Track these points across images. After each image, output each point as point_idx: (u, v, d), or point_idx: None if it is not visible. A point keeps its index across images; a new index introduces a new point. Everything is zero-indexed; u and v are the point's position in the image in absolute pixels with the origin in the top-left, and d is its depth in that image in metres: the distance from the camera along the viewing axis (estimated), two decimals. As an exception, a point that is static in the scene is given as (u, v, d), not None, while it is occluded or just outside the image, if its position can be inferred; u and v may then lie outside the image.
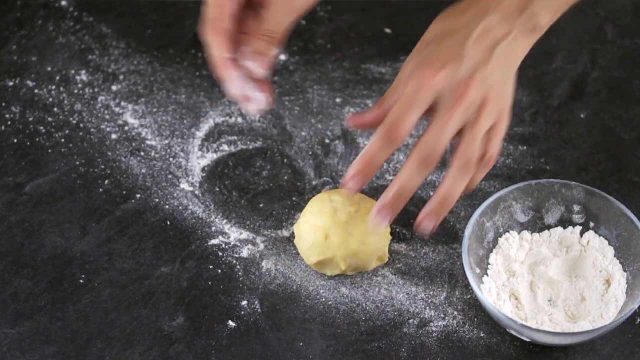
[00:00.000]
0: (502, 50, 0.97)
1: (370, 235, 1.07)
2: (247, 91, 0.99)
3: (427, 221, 0.99)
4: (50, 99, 1.25)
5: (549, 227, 1.09)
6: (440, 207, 0.99)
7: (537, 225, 1.09)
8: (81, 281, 1.09)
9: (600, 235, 1.08)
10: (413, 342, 1.04)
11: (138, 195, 1.16)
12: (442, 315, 1.06)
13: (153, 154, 1.20)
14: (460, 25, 0.98)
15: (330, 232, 1.07)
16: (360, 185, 0.99)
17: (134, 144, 1.21)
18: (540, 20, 1.00)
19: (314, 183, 1.17)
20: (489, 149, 0.99)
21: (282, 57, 1.28)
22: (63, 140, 1.21)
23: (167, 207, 1.15)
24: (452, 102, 0.95)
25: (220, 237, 1.13)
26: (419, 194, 1.15)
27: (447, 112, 0.95)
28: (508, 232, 1.09)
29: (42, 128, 1.22)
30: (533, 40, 1.00)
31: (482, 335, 1.05)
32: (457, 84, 0.95)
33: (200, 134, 1.22)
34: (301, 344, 1.04)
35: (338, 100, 1.25)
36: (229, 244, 1.12)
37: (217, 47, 0.99)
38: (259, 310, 1.07)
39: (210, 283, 1.09)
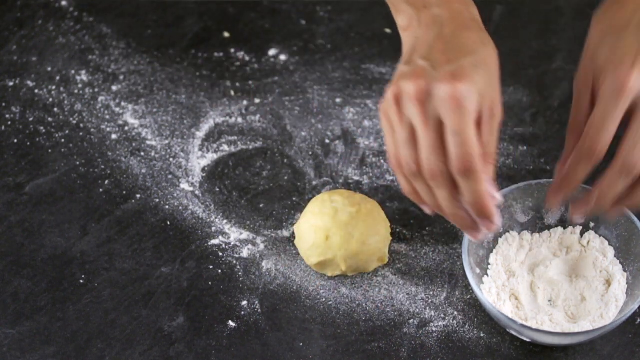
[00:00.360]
0: None
1: (371, 236, 1.07)
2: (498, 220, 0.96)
3: (576, 212, 0.98)
4: (50, 99, 1.25)
5: (549, 227, 1.09)
6: (590, 203, 0.96)
7: (537, 225, 1.09)
8: (81, 281, 1.09)
9: (600, 235, 1.08)
10: (413, 342, 1.04)
11: (138, 195, 1.16)
12: (442, 315, 1.06)
13: (153, 154, 1.20)
14: (627, 18, 0.93)
15: (331, 233, 1.07)
16: (559, 202, 0.98)
17: (134, 144, 1.21)
18: None
19: (314, 183, 1.17)
20: None
21: (282, 57, 1.29)
22: (63, 140, 1.21)
23: (167, 207, 1.15)
24: None
25: (220, 237, 1.13)
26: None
27: None
28: (508, 232, 1.09)
29: (42, 128, 1.22)
30: None
31: (482, 335, 1.05)
32: None
33: (200, 134, 1.22)
34: (301, 344, 1.04)
35: (338, 100, 1.25)
36: (229, 244, 1.12)
37: (485, 182, 0.93)
38: (259, 310, 1.07)
39: (210, 283, 1.09)
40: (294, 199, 1.16)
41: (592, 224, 1.09)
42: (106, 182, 1.17)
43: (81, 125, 1.23)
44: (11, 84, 1.26)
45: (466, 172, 0.90)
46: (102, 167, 1.19)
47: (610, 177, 0.95)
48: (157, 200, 1.16)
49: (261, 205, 1.15)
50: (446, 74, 0.89)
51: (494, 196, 0.93)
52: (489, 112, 0.92)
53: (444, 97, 0.89)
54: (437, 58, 0.91)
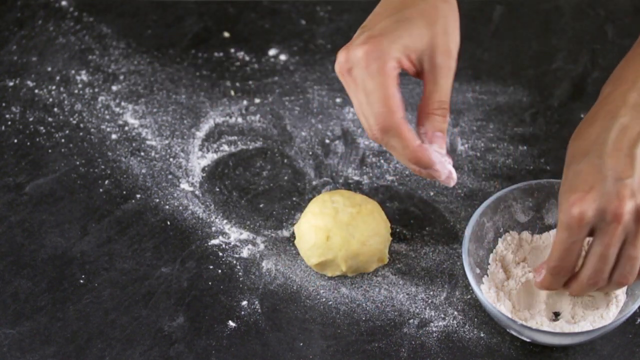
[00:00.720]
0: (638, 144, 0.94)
1: (371, 237, 1.07)
2: (448, 167, 0.98)
3: (538, 275, 1.00)
4: (50, 99, 1.25)
5: (549, 227, 1.09)
6: (559, 270, 0.98)
7: (537, 225, 1.09)
8: (81, 281, 1.09)
9: (600, 235, 1.08)
10: (413, 342, 1.04)
11: (138, 195, 1.16)
12: (442, 315, 1.06)
13: (153, 154, 1.20)
14: (593, 139, 0.95)
15: (332, 233, 1.07)
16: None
17: (134, 144, 1.21)
18: None
19: (314, 183, 1.17)
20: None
21: (282, 57, 1.29)
22: (63, 140, 1.21)
23: (167, 207, 1.15)
24: (607, 225, 0.92)
25: (220, 237, 1.13)
26: (419, 194, 1.15)
27: (605, 236, 0.93)
28: (508, 232, 1.09)
29: (42, 128, 1.22)
30: None
31: (482, 335, 1.05)
32: (607, 204, 0.91)
33: (200, 134, 1.22)
34: (301, 344, 1.04)
35: (338, 100, 1.25)
36: (229, 244, 1.12)
37: (409, 137, 0.95)
38: (259, 310, 1.07)
39: (210, 283, 1.09)
40: (294, 199, 1.16)
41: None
42: (106, 182, 1.17)
43: (81, 125, 1.23)
44: (11, 84, 1.26)
45: (384, 130, 0.95)
46: (102, 167, 1.19)
47: (577, 284, 0.98)
48: (157, 200, 1.16)
49: (261, 205, 1.15)
50: (363, 37, 0.96)
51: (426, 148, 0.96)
52: (429, 60, 0.96)
53: (357, 61, 0.96)
54: (370, 21, 0.98)
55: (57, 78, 1.27)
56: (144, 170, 1.18)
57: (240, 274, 1.10)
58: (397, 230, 1.13)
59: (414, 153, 0.95)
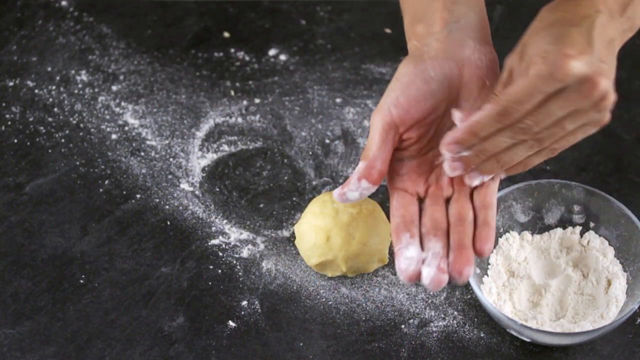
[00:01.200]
0: (614, 49, 0.93)
1: (372, 237, 1.07)
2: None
3: (448, 149, 0.93)
4: (50, 99, 1.25)
5: (549, 227, 1.09)
6: (467, 140, 0.92)
7: (537, 225, 1.09)
8: (81, 281, 1.09)
9: (600, 235, 1.08)
10: (413, 342, 1.04)
11: (138, 195, 1.16)
12: (442, 315, 1.06)
13: (153, 154, 1.20)
14: (580, 16, 0.92)
15: (332, 234, 1.07)
16: (458, 156, 0.94)
17: (134, 144, 1.21)
18: (637, 20, 0.95)
19: (314, 183, 1.17)
20: (567, 139, 0.94)
21: (282, 57, 1.29)
22: (63, 140, 1.21)
23: (167, 207, 1.15)
24: (580, 90, 0.89)
25: (220, 237, 1.13)
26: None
27: (570, 98, 0.90)
28: (508, 232, 1.09)
29: (42, 128, 1.22)
30: (624, 40, 0.96)
31: (482, 335, 1.05)
32: (586, 77, 0.89)
33: (200, 134, 1.22)
34: (301, 344, 1.04)
35: (338, 100, 1.25)
36: (229, 244, 1.12)
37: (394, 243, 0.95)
38: (259, 310, 1.07)
39: (210, 283, 1.09)
40: (294, 199, 1.16)
41: (592, 224, 1.09)
42: (106, 182, 1.17)
43: (81, 125, 1.23)
44: (11, 84, 1.26)
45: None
46: (102, 167, 1.19)
47: (484, 112, 0.91)
48: (157, 200, 1.16)
49: (261, 205, 1.15)
50: None
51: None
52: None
53: None
54: None
55: (57, 78, 1.27)
56: (144, 170, 1.19)
57: (240, 274, 1.10)
58: (397, 230, 1.13)
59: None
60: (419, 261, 0.93)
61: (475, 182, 0.95)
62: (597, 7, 0.93)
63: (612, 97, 0.91)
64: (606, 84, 0.90)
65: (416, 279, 0.93)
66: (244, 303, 1.07)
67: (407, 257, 0.93)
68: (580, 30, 0.91)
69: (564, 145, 0.94)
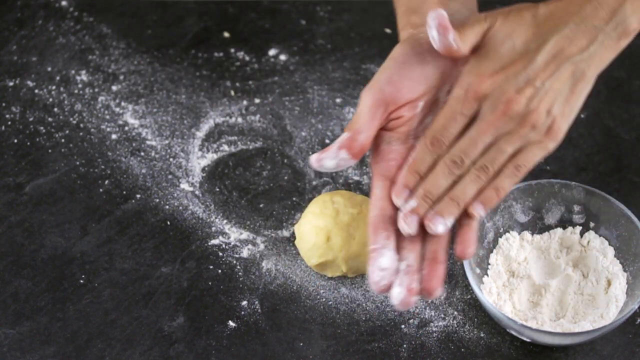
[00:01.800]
0: (574, 62, 0.90)
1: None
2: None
3: (398, 196, 0.94)
4: (50, 99, 1.25)
5: (549, 227, 1.09)
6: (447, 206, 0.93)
7: (537, 225, 1.09)
8: (81, 281, 1.09)
9: (600, 235, 1.08)
10: (413, 342, 1.04)
11: (138, 195, 1.16)
12: (442, 315, 1.06)
13: (153, 154, 1.20)
14: (545, 30, 0.90)
15: (332, 234, 1.07)
16: (405, 190, 0.94)
17: (134, 144, 1.21)
18: (631, 24, 0.90)
19: (314, 183, 1.17)
20: (515, 161, 0.92)
21: (282, 57, 1.29)
22: (63, 140, 1.21)
23: (167, 207, 1.15)
24: (495, 110, 0.90)
25: (220, 237, 1.13)
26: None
27: (487, 120, 0.90)
28: (508, 232, 1.09)
29: (42, 128, 1.22)
30: (620, 47, 0.92)
31: (482, 335, 1.05)
32: (507, 90, 0.89)
33: (200, 134, 1.22)
34: (301, 344, 1.04)
35: (338, 100, 1.25)
36: (229, 244, 1.12)
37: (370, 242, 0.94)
38: (259, 310, 1.07)
39: (210, 283, 1.09)
40: (294, 199, 1.16)
41: (592, 224, 1.09)
42: (106, 182, 1.17)
43: (81, 125, 1.23)
44: (11, 84, 1.26)
45: None
46: (102, 167, 1.19)
47: (419, 147, 0.93)
48: (157, 200, 1.16)
49: (261, 205, 1.15)
50: None
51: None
52: None
53: None
54: None
55: (57, 78, 1.27)
56: (144, 170, 1.19)
57: (240, 274, 1.10)
58: (397, 230, 1.13)
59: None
60: (392, 273, 0.92)
61: (440, 228, 0.93)
62: (569, 16, 0.90)
63: (541, 117, 0.90)
64: (524, 102, 0.89)
65: (387, 291, 0.92)
66: (244, 303, 1.07)
67: (381, 267, 0.92)
68: (507, 46, 0.90)
69: (520, 167, 0.92)
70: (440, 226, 0.93)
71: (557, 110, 0.90)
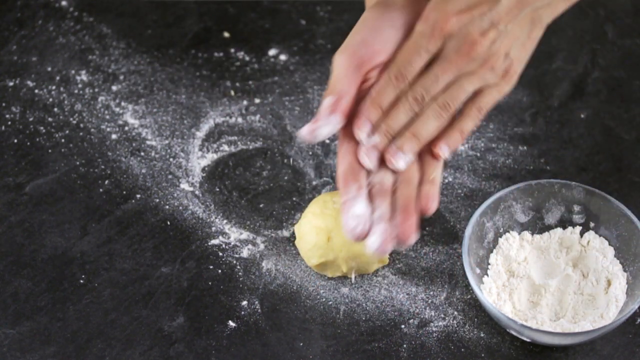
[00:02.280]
0: (534, 9, 0.92)
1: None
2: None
3: (361, 129, 0.95)
4: (50, 99, 1.25)
5: (549, 227, 1.09)
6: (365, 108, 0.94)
7: (537, 225, 1.09)
8: (81, 281, 1.09)
9: (600, 235, 1.08)
10: (413, 342, 1.04)
11: (138, 195, 1.16)
12: (442, 315, 1.06)
13: (153, 154, 1.20)
14: None
15: (333, 234, 1.06)
16: (367, 123, 0.95)
17: (134, 144, 1.21)
18: None
19: (314, 183, 1.17)
20: (477, 103, 0.94)
21: (282, 57, 1.28)
22: (63, 140, 1.21)
23: (167, 207, 1.15)
24: (459, 51, 0.91)
25: (220, 237, 1.13)
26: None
27: (450, 59, 0.91)
28: (508, 232, 1.09)
29: (42, 128, 1.22)
30: (573, 0, 0.96)
31: (482, 335, 1.05)
32: (472, 32, 0.91)
33: (200, 134, 1.22)
34: (301, 344, 1.04)
35: (338, 100, 1.24)
36: (229, 244, 1.12)
37: (341, 194, 0.95)
38: (259, 310, 1.07)
39: (210, 283, 1.09)
40: (294, 199, 1.16)
41: (592, 224, 1.09)
42: (106, 182, 1.17)
43: (81, 125, 1.23)
44: (11, 84, 1.26)
45: None
46: (102, 167, 1.19)
47: (382, 80, 0.94)
48: (157, 200, 1.16)
49: (261, 205, 1.15)
50: None
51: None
52: None
53: None
54: None
55: (57, 78, 1.27)
56: (144, 170, 1.19)
57: (240, 274, 1.10)
58: (397, 230, 1.12)
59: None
60: (367, 220, 0.93)
61: (401, 163, 0.94)
62: None
63: (499, 59, 0.92)
64: (487, 45, 0.91)
65: (363, 239, 0.93)
66: (244, 303, 1.07)
67: (356, 214, 0.93)
68: None
69: (481, 109, 0.94)
70: (400, 161, 0.94)
71: (514, 54, 0.93)
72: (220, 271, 1.10)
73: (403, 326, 1.06)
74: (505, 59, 0.92)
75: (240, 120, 1.23)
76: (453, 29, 0.91)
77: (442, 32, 0.91)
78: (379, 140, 0.94)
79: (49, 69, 1.28)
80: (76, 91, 1.26)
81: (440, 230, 1.12)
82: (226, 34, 1.31)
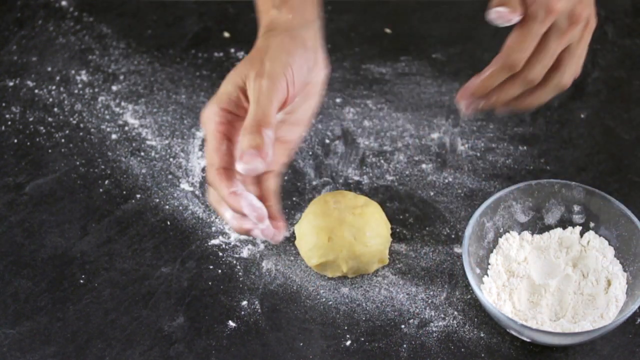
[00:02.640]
0: None
1: (373, 238, 1.07)
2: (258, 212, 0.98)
3: (463, 99, 1.02)
4: (50, 99, 1.25)
5: (549, 227, 1.09)
6: (481, 92, 1.01)
7: (537, 225, 1.09)
8: (81, 281, 1.09)
9: (600, 235, 1.08)
10: (413, 342, 1.04)
11: (138, 195, 1.16)
12: (442, 315, 1.06)
13: (153, 154, 1.20)
14: None
15: (333, 234, 1.06)
16: (472, 104, 1.03)
17: (134, 144, 1.21)
18: None
19: (314, 183, 1.17)
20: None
21: (282, 57, 1.28)
22: (63, 140, 1.21)
23: (167, 207, 1.15)
24: (565, 26, 0.99)
25: (220, 237, 1.13)
26: (419, 194, 1.15)
27: (562, 32, 0.99)
28: (508, 232, 1.09)
29: (42, 128, 1.22)
30: None
31: (482, 335, 1.05)
32: (573, 7, 0.99)
33: (200, 134, 1.22)
34: (301, 344, 1.04)
35: (338, 100, 1.25)
36: (229, 244, 1.12)
37: (223, 186, 0.98)
38: (259, 310, 1.07)
39: (210, 283, 1.09)
40: (294, 199, 1.16)
41: (592, 224, 1.09)
42: (106, 182, 1.17)
43: (81, 125, 1.23)
44: (11, 84, 1.26)
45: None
46: (102, 167, 1.19)
47: (494, 69, 1.00)
48: (157, 200, 1.16)
49: (261, 205, 1.15)
50: None
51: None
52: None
53: None
54: None
55: (57, 78, 1.27)
56: (144, 170, 1.19)
57: (240, 274, 1.10)
58: (397, 230, 1.13)
59: (227, 202, 0.98)
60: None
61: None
62: None
63: (591, 18, 1.02)
64: (586, 10, 1.00)
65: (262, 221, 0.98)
66: (244, 303, 1.07)
67: (252, 204, 0.97)
68: None
69: (581, 54, 1.03)
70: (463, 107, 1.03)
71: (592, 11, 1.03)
72: (220, 271, 1.10)
73: (403, 326, 1.06)
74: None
75: (240, 120, 1.23)
76: (563, 6, 0.98)
77: (553, 13, 0.98)
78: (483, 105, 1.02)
79: (49, 69, 1.28)
80: (76, 91, 1.26)
81: (440, 230, 1.13)
82: (226, 34, 1.31)
